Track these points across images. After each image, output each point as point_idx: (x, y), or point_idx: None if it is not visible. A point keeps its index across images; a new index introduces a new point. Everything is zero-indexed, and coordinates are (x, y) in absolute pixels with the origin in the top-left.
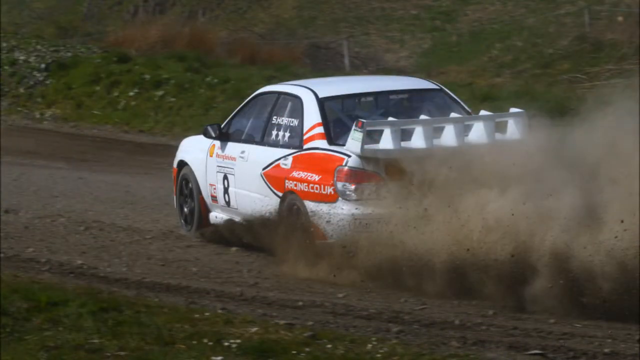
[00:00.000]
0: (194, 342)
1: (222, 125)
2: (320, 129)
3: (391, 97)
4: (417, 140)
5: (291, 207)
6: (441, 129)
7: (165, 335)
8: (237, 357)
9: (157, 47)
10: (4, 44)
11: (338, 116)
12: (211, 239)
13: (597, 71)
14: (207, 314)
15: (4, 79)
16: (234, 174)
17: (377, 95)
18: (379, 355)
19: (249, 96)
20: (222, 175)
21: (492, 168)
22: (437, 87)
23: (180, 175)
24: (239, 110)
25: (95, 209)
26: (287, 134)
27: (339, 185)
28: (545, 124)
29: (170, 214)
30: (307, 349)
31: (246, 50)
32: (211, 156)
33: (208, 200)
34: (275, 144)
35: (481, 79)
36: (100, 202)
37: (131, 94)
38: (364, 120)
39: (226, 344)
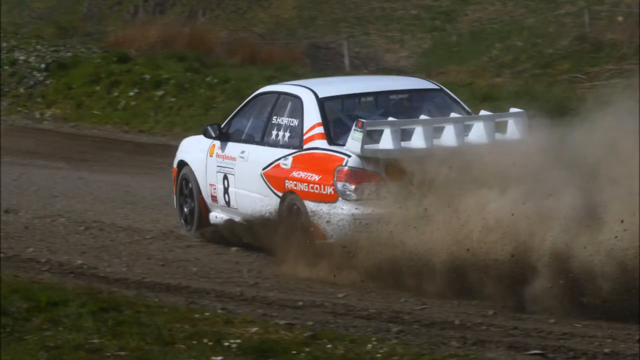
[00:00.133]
0: (194, 342)
1: (222, 125)
2: (320, 129)
3: (391, 97)
4: (417, 140)
5: (291, 207)
6: (441, 129)
7: (165, 335)
8: (237, 357)
9: (157, 47)
10: (4, 44)
11: (338, 116)
12: (211, 239)
13: (597, 71)
14: (207, 314)
15: (4, 79)
16: (234, 174)
17: (377, 95)
18: (379, 355)
19: (249, 96)
20: (222, 175)
21: (492, 168)
22: (437, 87)
23: (180, 175)
24: (239, 110)
25: (95, 209)
26: (287, 134)
27: (339, 185)
28: (545, 124)
29: (170, 214)
30: (307, 349)
31: (246, 50)
32: (211, 156)
33: (208, 200)
34: (275, 144)
35: (481, 79)
36: (100, 202)
37: (131, 94)
38: (364, 120)
39: (226, 344)
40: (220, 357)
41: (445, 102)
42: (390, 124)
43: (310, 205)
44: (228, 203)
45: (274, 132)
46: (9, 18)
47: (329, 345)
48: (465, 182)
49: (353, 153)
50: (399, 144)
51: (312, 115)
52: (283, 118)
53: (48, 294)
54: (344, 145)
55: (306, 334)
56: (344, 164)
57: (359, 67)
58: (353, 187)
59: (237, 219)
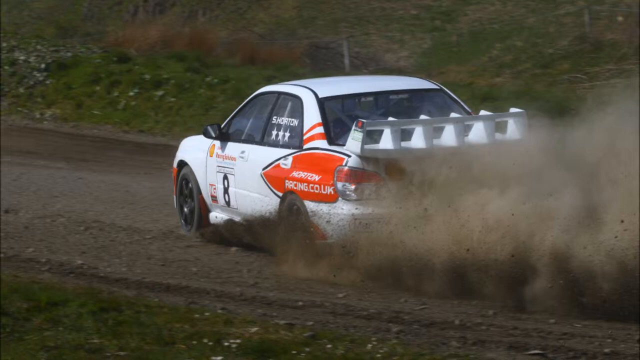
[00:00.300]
0: (194, 342)
1: (222, 125)
2: (320, 129)
3: (391, 97)
4: (417, 140)
5: (291, 207)
6: (441, 129)
7: (165, 335)
8: (237, 357)
9: (157, 47)
10: (4, 44)
11: (338, 116)
12: (211, 239)
13: (597, 71)
14: (207, 314)
15: (4, 79)
16: (234, 174)
17: (377, 95)
18: (379, 355)
19: (249, 96)
20: (222, 175)
21: (492, 168)
22: (437, 87)
23: (180, 175)
24: (239, 110)
25: (95, 209)
26: (287, 134)
27: (339, 185)
28: (545, 124)
29: (170, 214)
30: (307, 349)
31: (246, 50)
32: (211, 156)
33: (208, 200)
34: (275, 144)
35: (481, 79)
36: (100, 202)
37: (131, 94)
38: (364, 120)
39: (226, 344)
40: (220, 357)
41: (445, 102)
42: (390, 124)
43: (310, 205)
44: (228, 203)
45: (274, 132)
46: (9, 18)
47: (329, 345)
48: (465, 182)
49: (353, 153)
50: (399, 144)
51: (312, 115)
52: (283, 118)
53: (48, 294)
54: (344, 145)
55: (306, 334)
56: (344, 164)
57: (359, 67)
58: (353, 187)
59: (237, 219)
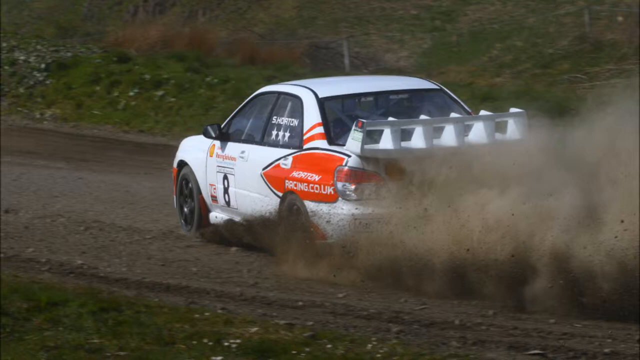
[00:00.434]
0: (194, 342)
1: (222, 125)
2: (320, 129)
3: (391, 97)
4: (417, 140)
5: (291, 207)
6: (441, 129)
7: (165, 335)
8: (237, 357)
9: (157, 47)
10: (4, 44)
11: (338, 116)
12: (211, 239)
13: (597, 71)
14: (207, 314)
15: (4, 79)
16: (234, 174)
17: (377, 95)
18: (379, 355)
19: (249, 96)
20: (222, 175)
21: (492, 168)
22: (437, 87)
23: (180, 175)
24: (239, 110)
25: (95, 209)
26: (287, 134)
27: (339, 185)
28: (545, 124)
29: (170, 214)
30: (307, 349)
31: (246, 50)
32: (211, 156)
33: (208, 200)
34: (275, 144)
35: (481, 79)
36: (100, 202)
37: (131, 94)
38: (364, 120)
39: (226, 344)
40: (220, 357)
41: (445, 102)
42: (390, 124)
43: (310, 205)
44: (228, 203)
45: (274, 132)
46: (9, 18)
47: (329, 345)
48: (465, 182)
49: (353, 153)
50: (399, 144)
51: (312, 115)
52: (283, 118)
53: (48, 294)
54: (344, 145)
55: (306, 334)
56: (344, 164)
57: (359, 67)
58: (353, 187)
59: (237, 219)
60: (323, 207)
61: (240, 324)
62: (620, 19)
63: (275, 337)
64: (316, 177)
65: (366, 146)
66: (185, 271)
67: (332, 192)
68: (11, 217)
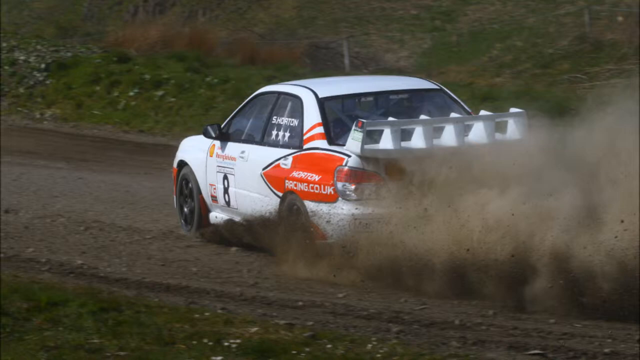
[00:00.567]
0: (194, 342)
1: (222, 125)
2: (320, 129)
3: (391, 97)
4: (417, 140)
5: (291, 207)
6: (441, 129)
7: (165, 335)
8: (237, 357)
9: (157, 47)
10: (4, 44)
11: (338, 116)
12: (211, 239)
13: (597, 71)
14: (207, 314)
15: (4, 79)
16: (234, 174)
17: (377, 95)
18: (379, 355)
19: (249, 96)
20: (222, 175)
21: (492, 168)
22: (437, 87)
23: (180, 175)
24: (239, 110)
25: (95, 209)
26: (287, 134)
27: (339, 185)
28: (545, 124)
29: (170, 214)
30: (307, 349)
31: (246, 50)
32: (211, 156)
33: (208, 200)
34: (275, 144)
35: (481, 79)
36: (100, 202)
37: (131, 94)
38: (364, 120)
39: (226, 344)
40: (220, 357)
41: (445, 102)
42: (390, 124)
43: (310, 205)
44: (228, 203)
45: (274, 132)
46: (9, 18)
47: (329, 345)
48: (465, 182)
49: (353, 153)
50: (399, 144)
51: (312, 115)
52: (283, 118)
53: (48, 294)
54: (344, 145)
55: (306, 334)
56: (344, 164)
57: (359, 67)
58: (353, 187)
59: (237, 219)
60: (323, 207)
61: (240, 324)
62: (620, 19)
63: (275, 337)
64: (316, 177)
65: (366, 146)
66: (185, 271)
67: (332, 192)
68: (11, 217)
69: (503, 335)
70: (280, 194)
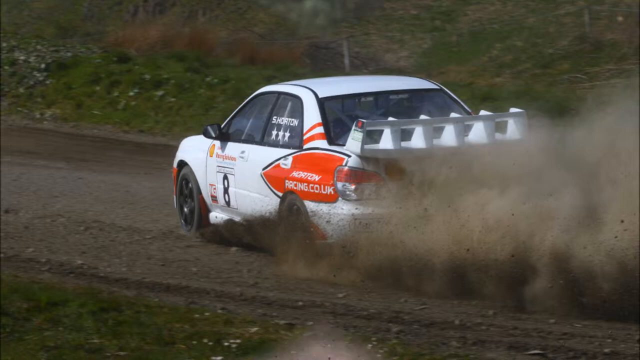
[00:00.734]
0: (194, 342)
1: (222, 125)
2: (320, 129)
3: (391, 97)
4: (417, 140)
5: (291, 207)
6: (441, 129)
7: (165, 335)
8: (237, 357)
9: (157, 47)
10: (4, 44)
11: (338, 116)
12: (211, 239)
13: (597, 71)
14: (207, 314)
15: (4, 79)
16: (234, 174)
17: (377, 95)
18: (379, 356)
19: (249, 96)
20: (222, 175)
21: (492, 168)
22: (437, 87)
23: (180, 175)
24: (239, 110)
25: (95, 209)
26: (287, 134)
27: (339, 185)
28: (545, 124)
29: (170, 214)
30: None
31: (246, 50)
32: (211, 156)
33: (208, 200)
34: (275, 144)
35: (481, 79)
36: (100, 202)
37: (131, 94)
38: (364, 120)
39: (226, 344)
40: (220, 357)
41: (445, 102)
42: (390, 124)
43: (310, 205)
44: (228, 203)
45: (274, 132)
46: (9, 18)
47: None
48: (465, 182)
49: (353, 153)
50: (399, 144)
51: (312, 115)
52: (283, 118)
53: (48, 294)
54: (344, 145)
55: (306, 334)
56: (344, 164)
57: (359, 67)
58: (353, 187)
59: (237, 219)
60: (323, 207)
61: (240, 324)
62: (620, 19)
63: (275, 337)
64: (316, 177)
65: (366, 146)
66: (185, 271)
67: (332, 192)
68: (11, 217)
69: (503, 335)
70: (280, 194)
